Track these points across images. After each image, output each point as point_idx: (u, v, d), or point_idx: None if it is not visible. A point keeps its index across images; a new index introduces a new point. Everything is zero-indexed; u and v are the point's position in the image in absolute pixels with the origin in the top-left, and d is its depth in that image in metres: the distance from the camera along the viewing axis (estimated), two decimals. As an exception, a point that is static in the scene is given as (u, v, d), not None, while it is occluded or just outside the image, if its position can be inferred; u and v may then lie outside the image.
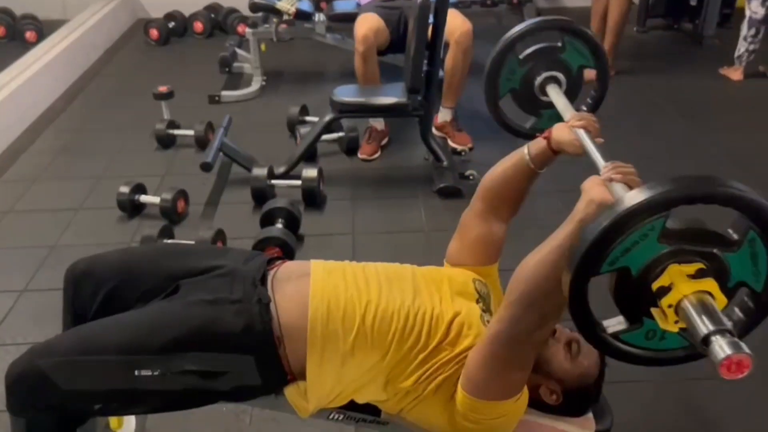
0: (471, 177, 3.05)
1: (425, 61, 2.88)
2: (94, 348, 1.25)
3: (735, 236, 0.92)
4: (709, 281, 0.90)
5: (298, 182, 2.91)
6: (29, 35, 4.95)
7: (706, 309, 0.87)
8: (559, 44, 1.61)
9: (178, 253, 1.49)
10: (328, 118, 3.06)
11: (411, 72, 2.86)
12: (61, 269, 1.48)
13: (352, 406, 1.41)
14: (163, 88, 3.49)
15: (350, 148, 3.38)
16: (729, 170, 3.18)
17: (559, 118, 1.48)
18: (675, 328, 0.91)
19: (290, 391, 1.34)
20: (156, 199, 2.80)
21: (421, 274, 1.45)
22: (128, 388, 1.25)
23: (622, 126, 3.67)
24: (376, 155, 3.37)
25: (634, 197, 0.89)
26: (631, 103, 3.97)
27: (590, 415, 1.47)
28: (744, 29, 4.04)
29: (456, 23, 3.16)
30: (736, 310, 0.98)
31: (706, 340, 0.84)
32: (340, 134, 3.39)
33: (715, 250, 0.92)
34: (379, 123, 3.41)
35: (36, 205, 3.01)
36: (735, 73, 4.17)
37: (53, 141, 3.62)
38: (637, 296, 0.94)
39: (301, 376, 1.33)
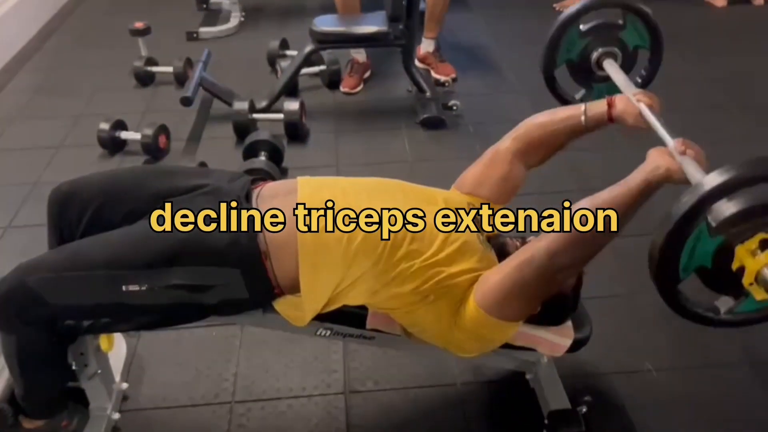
0: (454, 107, 3.04)
1: (406, -11, 2.83)
2: (82, 263, 1.26)
3: None
4: None
5: (280, 116, 2.89)
6: (-2, -26, 4.78)
7: None
8: (620, 22, 1.67)
9: (162, 173, 1.48)
10: (308, 49, 3.02)
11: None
12: (44, 205, 1.47)
13: (338, 318, 1.45)
14: (139, 24, 3.40)
15: (332, 81, 3.34)
16: (713, 97, 3.19)
17: (609, 93, 1.54)
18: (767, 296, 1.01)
19: (281, 305, 1.37)
20: (137, 135, 2.77)
21: (412, 188, 1.47)
22: (116, 303, 1.27)
23: None
24: (359, 88, 3.33)
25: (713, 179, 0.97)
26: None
27: (569, 323, 1.52)
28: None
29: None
30: None
31: None
32: (322, 68, 3.34)
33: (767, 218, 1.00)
34: (360, 55, 3.36)
35: (15, 143, 2.97)
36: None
37: (29, 80, 3.54)
38: (726, 280, 1.04)
39: (289, 289, 1.35)
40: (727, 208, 0.99)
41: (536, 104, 1.51)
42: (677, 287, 1.05)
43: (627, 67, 1.70)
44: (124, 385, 1.72)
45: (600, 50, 1.68)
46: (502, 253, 1.44)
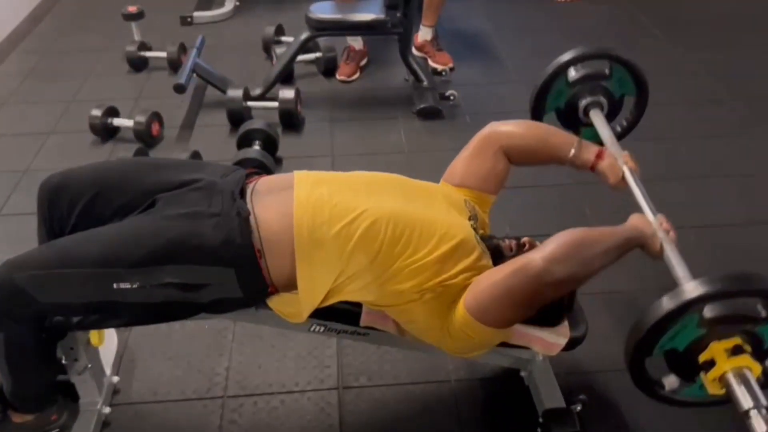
0: (452, 97, 3.01)
1: (404, -24, 2.78)
2: (71, 261, 1.23)
3: (763, 313, 1.12)
4: (744, 358, 1.10)
5: (275, 104, 2.85)
6: (-12, -47, 4.69)
7: (745, 383, 1.09)
8: (606, 72, 1.74)
9: (154, 166, 1.45)
10: (304, 36, 2.97)
11: (389, -13, 2.77)
12: (34, 193, 1.44)
13: (332, 315, 1.43)
14: (132, 8, 3.35)
15: (328, 69, 3.30)
16: (710, 87, 3.17)
17: (595, 138, 1.66)
18: (722, 392, 1.13)
19: (275, 303, 1.35)
20: (129, 122, 2.74)
21: (411, 185, 1.45)
22: (107, 301, 1.24)
23: (603, 44, 3.61)
24: (355, 76, 3.29)
25: (691, 291, 1.10)
26: (613, 21, 3.91)
27: (565, 323, 1.50)
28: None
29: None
30: None
31: (746, 414, 1.07)
32: (318, 55, 3.31)
33: (748, 327, 1.13)
34: (357, 42, 3.32)
35: (6, 129, 2.93)
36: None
37: (20, 64, 3.49)
38: (687, 364, 1.16)
39: (284, 287, 1.33)
40: (719, 310, 1.12)
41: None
42: (645, 360, 1.18)
43: (613, 113, 1.79)
44: (115, 379, 1.71)
45: (587, 99, 1.74)
46: (497, 254, 1.42)
